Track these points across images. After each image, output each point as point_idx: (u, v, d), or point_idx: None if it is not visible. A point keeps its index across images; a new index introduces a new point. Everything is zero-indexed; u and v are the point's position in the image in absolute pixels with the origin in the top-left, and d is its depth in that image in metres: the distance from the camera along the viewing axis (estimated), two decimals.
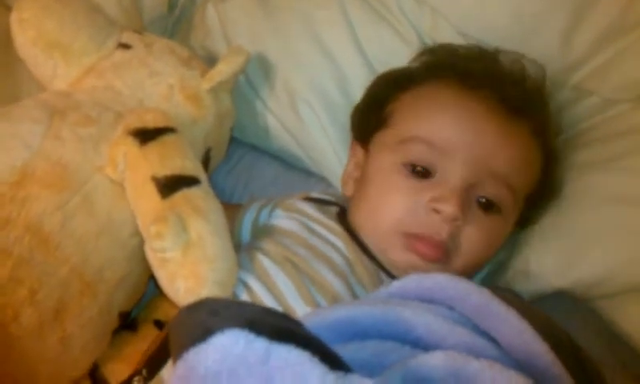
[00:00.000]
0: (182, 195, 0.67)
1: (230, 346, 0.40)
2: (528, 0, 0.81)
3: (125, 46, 0.82)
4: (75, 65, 0.79)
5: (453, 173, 0.71)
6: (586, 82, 0.83)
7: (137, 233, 0.70)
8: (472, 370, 0.45)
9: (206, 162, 0.84)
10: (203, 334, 0.41)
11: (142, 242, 0.69)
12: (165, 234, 0.63)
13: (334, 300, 0.68)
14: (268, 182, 0.96)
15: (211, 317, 0.42)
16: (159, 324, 0.78)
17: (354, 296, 0.69)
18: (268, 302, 0.67)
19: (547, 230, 0.78)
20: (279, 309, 0.67)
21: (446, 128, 0.73)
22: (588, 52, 0.81)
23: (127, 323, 0.77)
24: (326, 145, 0.90)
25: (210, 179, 0.91)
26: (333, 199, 0.82)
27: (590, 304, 0.77)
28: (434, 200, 0.70)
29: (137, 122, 0.71)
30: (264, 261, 0.71)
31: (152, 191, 0.67)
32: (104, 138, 0.72)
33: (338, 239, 0.73)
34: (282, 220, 0.77)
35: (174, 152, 0.70)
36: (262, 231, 0.78)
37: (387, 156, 0.75)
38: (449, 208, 0.69)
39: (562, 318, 0.70)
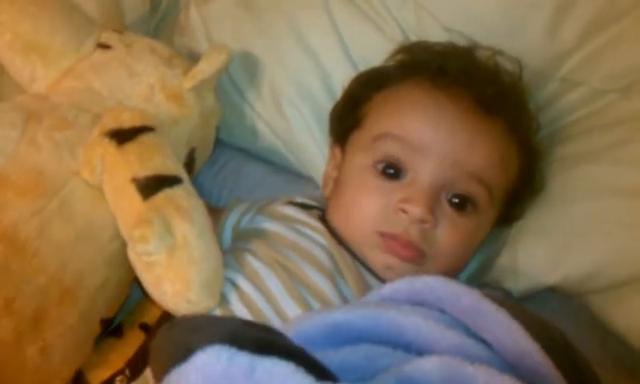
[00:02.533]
0: (165, 196, 0.65)
1: (212, 363, 0.39)
2: None
3: (104, 47, 0.80)
4: (53, 67, 0.78)
5: (423, 172, 0.70)
6: (574, 72, 0.82)
7: (116, 237, 0.69)
8: (467, 374, 0.44)
9: (190, 162, 0.83)
10: (184, 353, 0.40)
11: (122, 246, 0.68)
12: (149, 237, 0.62)
13: (323, 300, 0.67)
14: (255, 185, 0.95)
15: (191, 334, 0.41)
16: (145, 327, 0.77)
17: (341, 294, 0.68)
18: (259, 303, 0.67)
19: (535, 226, 0.78)
20: (271, 310, 0.66)
21: (417, 125, 0.72)
22: (575, 43, 0.80)
23: (112, 329, 0.76)
24: (312, 145, 0.89)
25: (197, 181, 0.91)
26: (316, 203, 0.81)
27: (580, 299, 0.77)
28: (402, 201, 0.69)
29: (113, 123, 0.70)
30: (253, 262, 0.70)
31: (133, 193, 0.65)
32: (81, 141, 0.70)
33: (322, 237, 0.73)
34: (266, 223, 0.76)
35: (154, 152, 0.68)
36: (248, 233, 0.77)
37: (360, 156, 0.75)
38: (416, 209, 0.68)
39: (552, 314, 0.70)
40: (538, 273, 0.76)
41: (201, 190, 0.90)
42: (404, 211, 0.69)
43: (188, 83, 0.80)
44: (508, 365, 0.49)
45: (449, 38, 0.83)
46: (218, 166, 0.97)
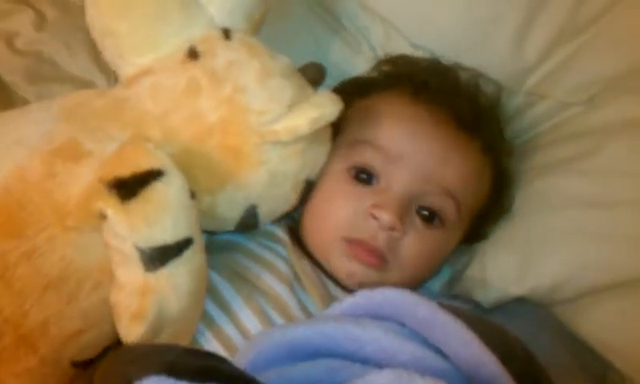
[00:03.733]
0: (168, 273, 0.58)
1: None
2: (478, 7, 0.82)
3: (194, 55, 0.64)
4: (129, 59, 0.65)
5: (397, 181, 0.71)
6: (539, 86, 0.83)
7: (98, 290, 0.62)
8: None
9: (250, 218, 0.69)
10: None
11: (103, 301, 0.61)
12: (138, 333, 0.57)
13: (283, 309, 0.67)
14: None
15: (130, 365, 0.41)
16: None
17: (300, 303, 0.68)
18: (218, 320, 0.66)
19: (502, 237, 0.78)
20: (230, 325, 0.66)
21: (394, 135, 0.73)
22: (540, 56, 0.82)
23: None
24: None
25: None
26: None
27: (549, 309, 0.77)
28: (373, 206, 0.70)
29: (115, 169, 0.57)
30: (212, 276, 0.70)
31: (134, 260, 0.57)
32: (82, 179, 0.61)
33: (283, 248, 0.73)
34: (228, 235, 0.76)
35: (163, 211, 0.57)
36: (210, 245, 0.77)
37: (335, 161, 0.74)
38: (386, 216, 0.69)
39: (521, 323, 0.71)
40: (506, 284, 0.77)
41: None
42: (374, 217, 0.69)
43: (268, 138, 0.63)
44: (464, 376, 0.49)
45: (416, 53, 0.84)
46: None
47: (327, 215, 0.73)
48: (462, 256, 0.81)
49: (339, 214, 0.71)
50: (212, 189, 0.65)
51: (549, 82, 0.82)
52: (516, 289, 0.76)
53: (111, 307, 0.60)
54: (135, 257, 0.57)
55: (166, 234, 0.57)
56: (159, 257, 0.57)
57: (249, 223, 0.69)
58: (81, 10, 0.68)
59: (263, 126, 0.63)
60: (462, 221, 0.75)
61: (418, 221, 0.71)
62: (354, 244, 0.70)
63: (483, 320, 0.54)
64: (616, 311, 0.73)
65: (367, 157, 0.72)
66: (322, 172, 0.75)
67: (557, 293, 0.75)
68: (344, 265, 0.71)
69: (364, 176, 0.72)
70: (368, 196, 0.71)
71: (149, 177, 0.57)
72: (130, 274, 0.58)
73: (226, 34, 0.66)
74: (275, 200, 0.69)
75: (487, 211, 0.78)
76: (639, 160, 0.74)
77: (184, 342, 0.63)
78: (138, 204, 0.56)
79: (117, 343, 0.64)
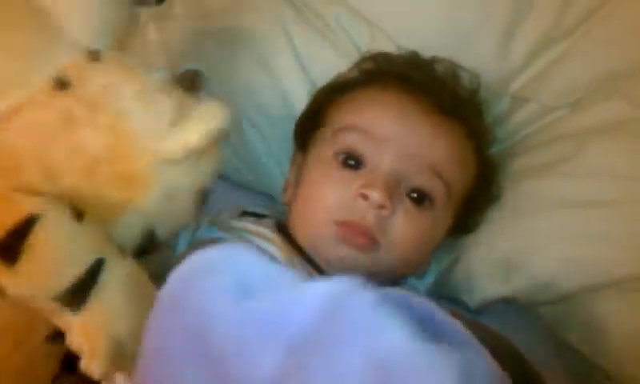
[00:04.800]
0: (96, 302, 0.54)
1: None
2: (463, 11, 0.83)
3: (62, 85, 0.58)
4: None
5: (384, 162, 0.71)
6: (524, 89, 0.84)
7: (20, 345, 0.58)
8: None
9: (148, 241, 0.64)
10: None
11: (31, 352, 0.59)
12: (101, 367, 0.54)
13: None
14: (218, 202, 0.94)
15: None
16: None
17: None
18: None
19: (487, 239, 0.79)
20: None
21: (379, 117, 0.73)
22: (525, 60, 0.83)
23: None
24: (271, 163, 0.90)
25: None
26: (267, 212, 0.82)
27: (535, 310, 0.78)
28: (362, 186, 0.70)
29: None
30: None
31: (61, 311, 0.54)
32: None
33: (271, 245, 0.73)
34: (216, 235, 0.76)
35: (55, 255, 0.53)
36: (201, 244, 0.76)
37: (322, 149, 0.75)
38: (375, 194, 0.69)
39: (508, 325, 0.72)
40: (491, 285, 0.78)
41: None
42: (363, 197, 0.69)
43: (160, 156, 0.58)
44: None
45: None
46: None
47: (316, 200, 0.73)
48: (449, 255, 0.81)
49: (328, 198, 0.71)
50: (107, 219, 0.59)
51: (534, 86, 0.83)
52: (500, 290, 0.77)
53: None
54: (57, 307, 0.53)
55: (68, 274, 0.53)
56: (76, 296, 0.53)
57: (147, 247, 0.64)
58: None
59: (152, 145, 0.58)
60: (450, 203, 0.75)
61: (408, 202, 0.71)
62: (345, 226, 0.70)
63: (475, 320, 0.54)
64: (600, 311, 0.74)
65: (353, 140, 0.72)
66: (310, 161, 0.76)
67: (540, 294, 0.76)
68: (334, 251, 0.71)
69: (352, 162, 0.72)
70: (356, 179, 0.71)
71: (24, 228, 0.52)
72: (65, 321, 0.55)
73: (95, 56, 0.60)
74: (173, 217, 0.64)
75: (475, 198, 0.78)
76: (621, 161, 0.76)
77: None
78: (27, 262, 0.52)
79: None
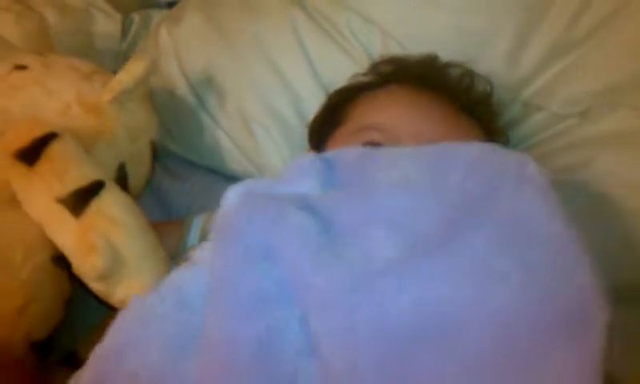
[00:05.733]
0: (95, 208, 0.65)
1: None
2: (474, 19, 0.84)
3: (22, 68, 0.78)
4: None
5: None
6: (535, 98, 0.84)
7: (31, 256, 0.66)
8: None
9: (121, 178, 0.80)
10: None
11: (41, 265, 0.66)
12: (100, 264, 0.62)
13: None
14: None
15: None
16: None
17: None
18: None
19: None
20: None
21: (398, 116, 0.74)
22: (535, 69, 0.83)
23: (69, 359, 0.74)
24: (281, 165, 0.90)
25: (167, 199, 0.91)
26: None
27: None
28: None
29: (15, 142, 0.67)
30: None
31: (63, 214, 0.64)
32: None
33: None
34: None
35: (67, 163, 0.66)
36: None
37: (343, 145, 0.75)
38: None
39: None
40: None
41: (171, 209, 0.91)
42: None
43: (106, 95, 0.77)
44: None
45: None
46: (189, 185, 0.97)
47: None
48: None
49: None
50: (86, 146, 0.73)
51: (544, 94, 0.83)
52: None
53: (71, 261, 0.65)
54: (61, 210, 0.64)
55: (76, 180, 0.65)
56: (79, 199, 0.65)
57: (120, 184, 0.76)
58: None
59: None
60: None
61: None
62: None
63: None
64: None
65: (376, 138, 0.73)
66: None
67: None
68: None
69: None
70: None
71: (46, 139, 0.66)
72: (66, 229, 0.64)
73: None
74: (136, 158, 0.82)
75: None
76: (630, 171, 0.75)
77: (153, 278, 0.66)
78: (43, 163, 0.65)
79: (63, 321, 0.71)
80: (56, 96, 0.76)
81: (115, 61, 1.01)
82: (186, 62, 0.94)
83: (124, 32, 1.05)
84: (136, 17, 1.07)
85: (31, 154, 0.66)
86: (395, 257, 0.50)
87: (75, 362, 0.72)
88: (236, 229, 0.55)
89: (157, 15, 1.07)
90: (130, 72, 0.79)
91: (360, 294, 0.48)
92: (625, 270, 0.73)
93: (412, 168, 0.58)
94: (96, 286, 0.65)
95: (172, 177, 0.95)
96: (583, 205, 0.76)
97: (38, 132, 0.67)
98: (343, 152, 0.64)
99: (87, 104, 0.77)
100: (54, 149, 0.66)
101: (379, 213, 0.54)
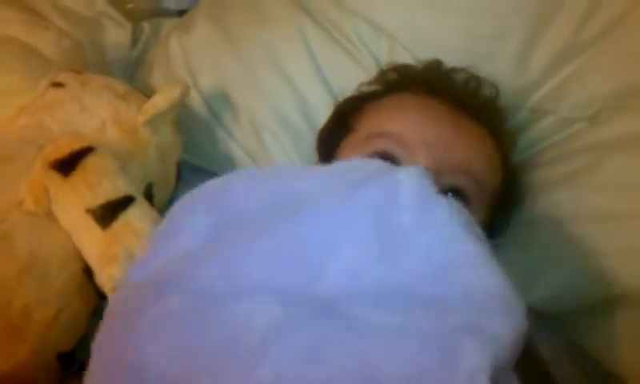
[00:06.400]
0: (122, 221, 0.67)
1: None
2: (482, 24, 0.84)
3: (59, 85, 0.81)
4: (6, 105, 0.80)
5: (417, 162, 0.70)
6: (543, 102, 0.85)
7: (65, 267, 0.68)
8: None
9: (148, 197, 0.81)
10: None
11: (73, 276, 0.68)
12: (117, 276, 0.63)
13: None
14: None
15: None
16: None
17: None
18: None
19: (505, 250, 0.79)
20: None
21: (407, 122, 0.74)
22: (543, 73, 0.84)
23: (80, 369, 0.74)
24: None
25: (170, 203, 0.91)
26: None
27: (554, 320, 0.78)
28: None
29: (53, 153, 0.69)
30: None
31: (90, 224, 0.66)
32: (24, 174, 0.70)
33: None
34: None
35: (101, 175, 0.68)
36: None
37: (353, 153, 0.75)
38: None
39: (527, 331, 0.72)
40: None
41: None
42: None
43: (142, 117, 0.80)
44: None
45: None
46: None
47: None
48: None
49: None
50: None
51: (552, 99, 0.83)
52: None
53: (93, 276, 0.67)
54: (89, 221, 0.66)
55: (107, 192, 0.67)
56: (108, 212, 0.66)
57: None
58: None
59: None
60: (484, 197, 0.74)
61: None
62: None
63: None
64: (617, 323, 0.74)
65: (386, 146, 0.72)
66: None
67: (557, 304, 0.76)
68: None
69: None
70: None
71: (83, 152, 0.69)
72: (92, 239, 0.66)
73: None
74: (163, 178, 0.85)
75: (502, 200, 0.78)
76: (638, 175, 0.75)
77: None
78: (78, 174, 0.68)
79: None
80: (92, 114, 0.79)
81: (125, 70, 1.02)
82: (196, 70, 0.95)
83: (134, 41, 1.06)
84: (146, 26, 1.08)
85: (67, 165, 0.68)
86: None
87: None
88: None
89: (167, 24, 1.08)
90: (166, 96, 0.81)
91: None
92: (633, 275, 0.73)
93: None
94: None
95: (181, 183, 0.96)
96: (591, 209, 0.76)
97: (77, 145, 0.70)
98: None
99: (122, 124, 0.79)
100: (90, 161, 0.69)
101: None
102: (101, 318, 0.69)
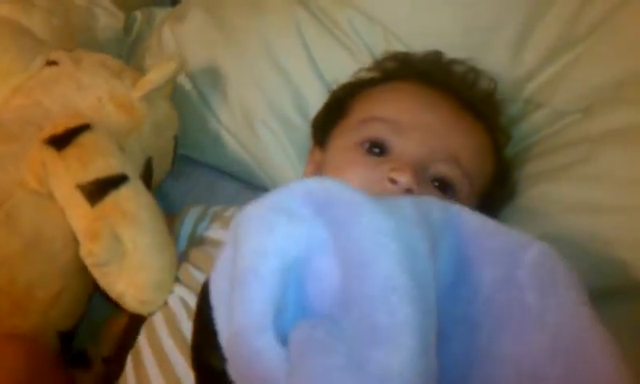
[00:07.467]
0: (112, 200, 0.67)
1: None
2: (477, 15, 0.84)
3: (53, 64, 0.81)
4: (1, 85, 0.80)
5: (409, 149, 0.71)
6: (537, 94, 0.84)
7: (69, 245, 0.68)
8: None
9: (148, 172, 0.83)
10: None
11: (76, 255, 0.67)
12: (97, 251, 0.64)
13: None
14: (229, 201, 0.95)
15: None
16: (107, 361, 0.76)
17: None
18: None
19: None
20: None
21: (401, 108, 0.74)
22: (538, 65, 0.84)
23: (80, 359, 0.75)
24: (286, 164, 0.91)
25: (169, 197, 0.92)
26: None
27: None
28: (390, 170, 0.69)
29: (50, 130, 0.70)
30: (195, 273, 0.70)
31: (80, 199, 0.66)
32: (26, 153, 0.71)
33: None
34: (216, 231, 0.77)
35: (94, 152, 0.69)
36: (201, 241, 0.78)
37: (345, 138, 0.75)
38: (404, 178, 0.68)
39: None
40: None
41: (173, 207, 0.91)
42: (391, 181, 0.68)
43: (137, 92, 0.80)
44: None
45: None
46: (191, 183, 0.98)
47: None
48: None
49: (354, 181, 0.69)
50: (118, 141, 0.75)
51: (546, 91, 0.83)
52: None
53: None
54: (80, 197, 0.66)
55: (99, 170, 0.67)
56: (98, 189, 0.66)
57: (146, 178, 0.81)
58: None
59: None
60: (472, 191, 0.74)
61: (432, 189, 0.71)
62: None
63: None
64: (607, 316, 0.74)
65: (378, 131, 0.73)
66: (331, 152, 0.77)
67: None
68: None
69: (376, 150, 0.72)
70: (382, 164, 0.70)
71: (79, 129, 0.69)
72: (80, 214, 0.66)
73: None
74: (162, 153, 0.86)
75: (492, 194, 0.78)
76: (633, 167, 0.75)
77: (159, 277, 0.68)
78: (72, 150, 0.68)
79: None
80: (88, 91, 0.79)
81: (118, 59, 1.01)
82: (189, 59, 0.95)
83: (127, 30, 1.05)
84: (139, 15, 1.07)
85: (62, 140, 0.68)
86: None
87: (85, 361, 0.75)
88: None
89: (160, 13, 1.08)
90: (161, 71, 0.82)
91: None
92: (626, 267, 0.73)
93: None
94: (96, 274, 0.67)
95: (174, 174, 0.95)
96: (584, 201, 0.76)
97: (73, 123, 0.70)
98: None
99: (118, 100, 0.80)
100: (85, 138, 0.69)
101: None
102: (99, 299, 0.72)
